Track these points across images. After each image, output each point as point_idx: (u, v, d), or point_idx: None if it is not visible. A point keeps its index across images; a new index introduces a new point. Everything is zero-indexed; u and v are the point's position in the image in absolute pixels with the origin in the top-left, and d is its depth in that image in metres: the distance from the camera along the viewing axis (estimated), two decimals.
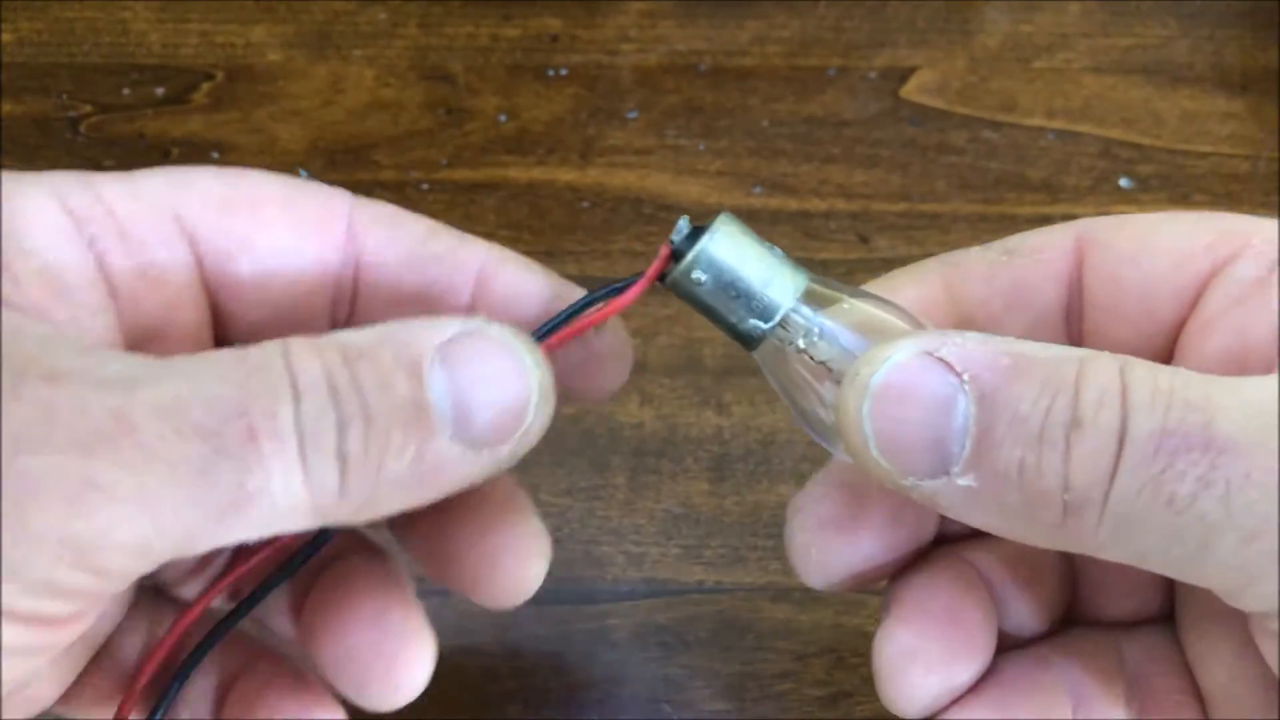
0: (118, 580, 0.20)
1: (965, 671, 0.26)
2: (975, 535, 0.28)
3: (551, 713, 0.43)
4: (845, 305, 0.24)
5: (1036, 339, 0.26)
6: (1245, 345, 0.23)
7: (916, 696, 0.25)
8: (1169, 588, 0.28)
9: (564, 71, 0.55)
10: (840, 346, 0.24)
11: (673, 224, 0.25)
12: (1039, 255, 0.26)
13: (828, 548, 0.26)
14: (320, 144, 0.53)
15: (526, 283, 0.25)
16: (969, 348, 0.21)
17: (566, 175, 0.52)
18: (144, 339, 0.24)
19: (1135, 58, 0.55)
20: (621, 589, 0.45)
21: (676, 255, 0.24)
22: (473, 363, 0.22)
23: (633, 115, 0.54)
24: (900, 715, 0.26)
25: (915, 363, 0.21)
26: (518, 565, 0.26)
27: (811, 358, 0.24)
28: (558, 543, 0.46)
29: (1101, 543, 0.21)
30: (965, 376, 0.21)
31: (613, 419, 0.47)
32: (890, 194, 0.52)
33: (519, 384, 0.22)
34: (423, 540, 0.26)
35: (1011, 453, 0.20)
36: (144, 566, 0.20)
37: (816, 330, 0.24)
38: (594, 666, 0.44)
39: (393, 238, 0.25)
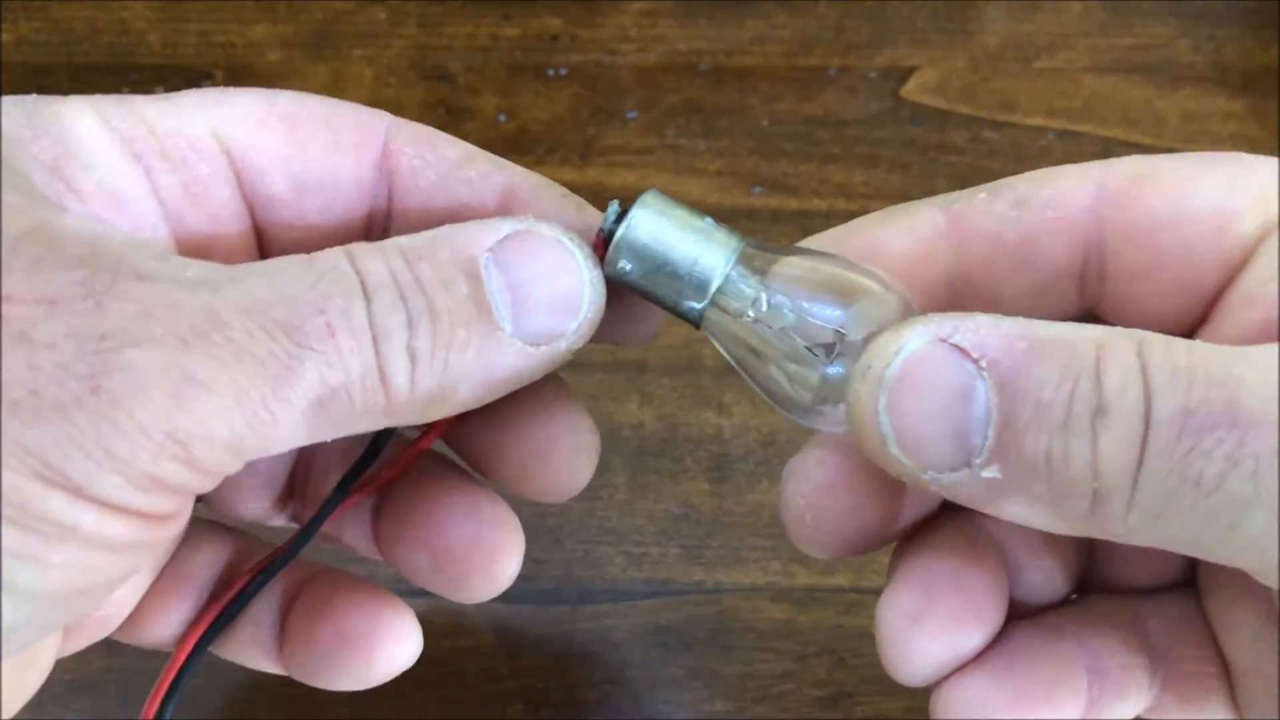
0: (213, 476, 0.21)
1: (971, 638, 0.25)
2: None
3: (551, 713, 0.43)
4: (800, 265, 0.23)
5: (1043, 304, 0.25)
6: None
7: (919, 663, 0.25)
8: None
9: (564, 71, 0.55)
10: (801, 310, 0.23)
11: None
12: (1053, 214, 0.24)
13: (825, 514, 0.25)
14: None
15: (557, 212, 0.25)
16: (983, 331, 0.21)
17: (566, 175, 0.52)
18: (193, 255, 0.24)
19: (1136, 57, 0.55)
20: (621, 589, 0.45)
21: (607, 242, 0.24)
22: (526, 260, 0.22)
23: (633, 115, 0.54)
24: (902, 683, 0.25)
25: (930, 351, 0.21)
26: (568, 457, 0.26)
27: (770, 326, 0.23)
28: (557, 543, 0.46)
29: (1130, 529, 0.20)
30: (983, 363, 0.20)
31: (613, 419, 0.47)
32: (891, 194, 0.51)
33: (572, 279, 0.23)
34: (474, 434, 0.27)
35: (1037, 442, 0.20)
36: (236, 463, 0.21)
37: (765, 299, 0.23)
38: (594, 667, 0.44)
39: (426, 161, 0.25)
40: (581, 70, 0.55)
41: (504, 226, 0.23)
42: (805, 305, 0.23)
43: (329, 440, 0.22)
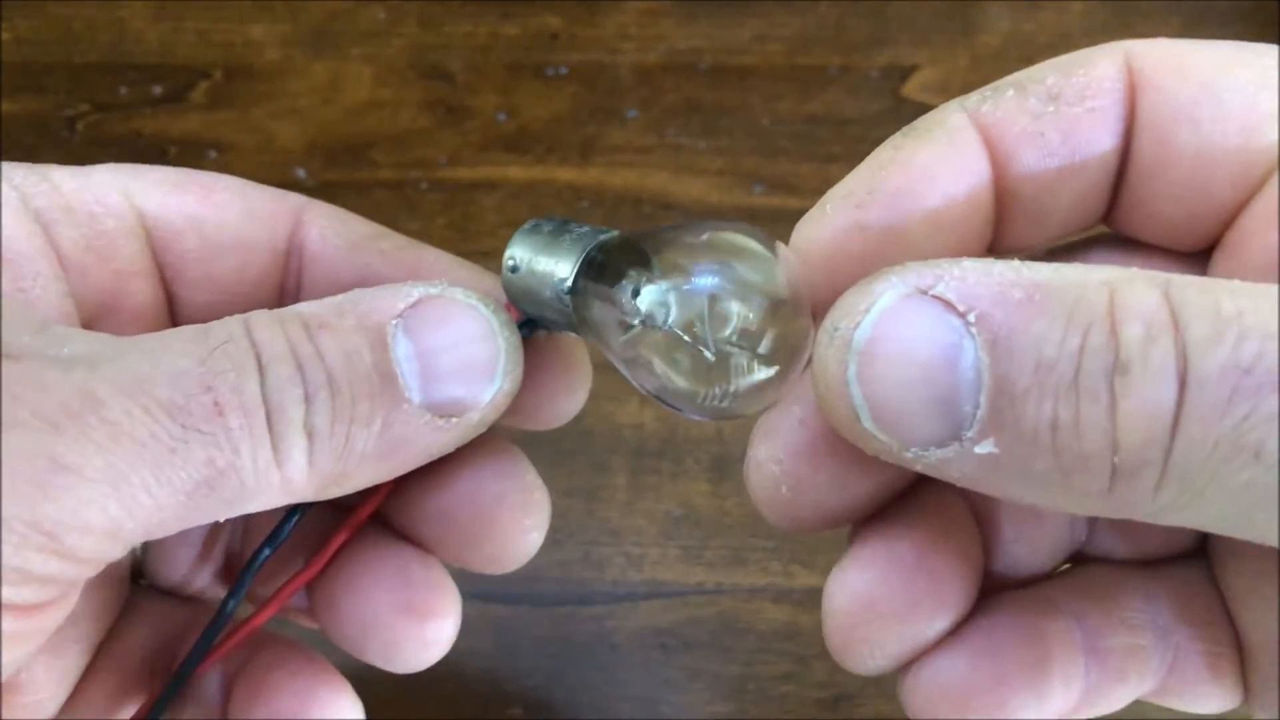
0: (90, 565, 0.19)
1: (932, 624, 0.22)
2: None
3: (551, 714, 0.43)
4: (659, 240, 0.20)
5: (1081, 213, 0.22)
6: None
7: (867, 652, 0.22)
8: None
9: (564, 70, 0.55)
10: (666, 291, 0.20)
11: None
12: (1093, 100, 0.21)
13: (804, 484, 0.22)
14: (318, 143, 0.53)
15: (473, 284, 0.24)
16: (970, 280, 0.17)
17: (566, 174, 0.52)
18: (97, 314, 0.24)
19: None
20: (621, 590, 0.45)
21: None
22: (437, 326, 0.21)
23: (633, 114, 0.54)
24: (852, 672, 0.22)
25: (907, 307, 0.17)
26: (515, 518, 0.25)
27: (659, 327, 0.20)
28: (557, 544, 0.46)
29: (1161, 508, 0.17)
30: (970, 317, 0.17)
31: (613, 419, 0.47)
32: None
33: (486, 347, 0.22)
34: (408, 502, 0.25)
35: (1040, 409, 0.16)
36: (116, 550, 0.19)
37: (650, 299, 0.20)
38: (594, 668, 0.43)
39: (337, 231, 0.25)
40: (581, 69, 0.55)
41: (414, 291, 0.22)
42: (669, 283, 0.20)
43: (223, 520, 0.21)
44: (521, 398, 0.23)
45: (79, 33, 0.56)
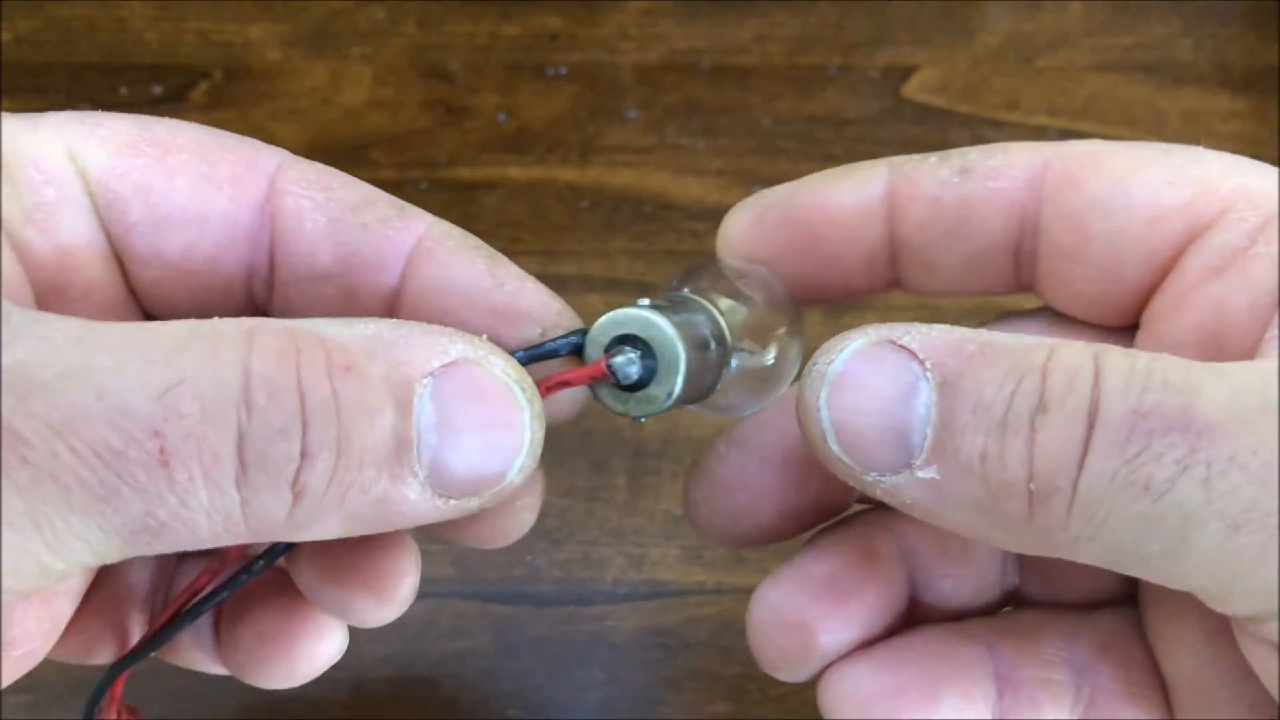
0: (19, 598, 0.18)
1: (836, 638, 0.24)
2: None
3: (551, 714, 0.43)
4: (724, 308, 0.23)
5: (977, 275, 0.24)
6: (1222, 321, 0.21)
7: (778, 658, 0.24)
8: None
9: (564, 70, 0.55)
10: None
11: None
12: (993, 182, 0.24)
13: (720, 509, 0.25)
14: (318, 143, 0.53)
15: (465, 271, 0.22)
16: (933, 335, 0.20)
17: (566, 174, 0.52)
18: (43, 293, 0.22)
19: (1138, 56, 0.55)
20: (621, 590, 0.45)
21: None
22: (468, 401, 0.19)
23: (633, 114, 0.54)
24: (771, 675, 0.25)
25: (874, 350, 0.20)
26: (384, 580, 0.24)
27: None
28: (557, 544, 0.46)
29: (1073, 538, 0.19)
30: (928, 364, 0.19)
31: (613, 420, 0.47)
32: None
33: (511, 437, 0.20)
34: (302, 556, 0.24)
35: (974, 441, 0.19)
36: (48, 584, 0.18)
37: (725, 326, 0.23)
38: (594, 668, 0.43)
39: (315, 202, 0.22)
40: (581, 69, 0.55)
41: (453, 348, 0.19)
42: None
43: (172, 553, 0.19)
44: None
45: (79, 33, 0.56)
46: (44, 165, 0.21)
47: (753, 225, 0.25)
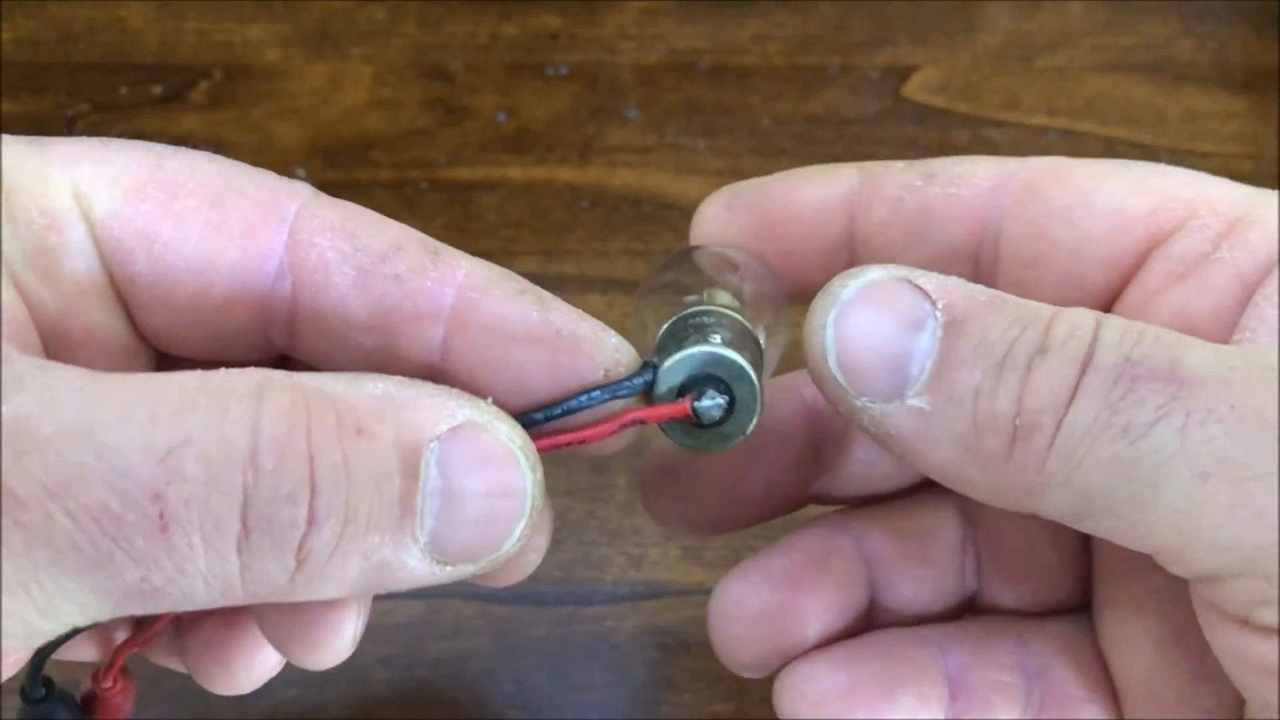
0: (21, 652, 0.18)
1: (793, 633, 0.25)
2: (870, 504, 0.27)
3: (551, 714, 0.43)
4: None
5: None
6: (1186, 326, 0.22)
7: (737, 652, 0.25)
8: (1083, 575, 0.26)
9: (564, 70, 0.55)
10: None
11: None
12: (954, 188, 0.24)
13: (666, 495, 0.27)
14: (318, 143, 0.53)
15: (518, 321, 0.21)
16: (949, 282, 0.20)
17: (566, 174, 0.52)
18: (47, 336, 0.21)
19: (1138, 56, 0.55)
20: (621, 591, 0.45)
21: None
22: (474, 469, 0.19)
23: (633, 114, 0.54)
24: (730, 669, 0.26)
25: (890, 283, 0.20)
26: (317, 630, 0.22)
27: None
28: (557, 544, 0.46)
29: (1046, 479, 0.19)
30: (940, 304, 0.20)
31: None
32: None
33: (513, 505, 0.19)
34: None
35: (970, 376, 0.19)
36: (34, 644, 0.18)
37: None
38: (593, 669, 0.43)
39: (342, 253, 0.21)
40: (581, 69, 0.55)
41: (459, 412, 0.19)
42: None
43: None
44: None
45: (79, 33, 0.56)
46: (47, 207, 0.20)
47: (721, 211, 0.26)
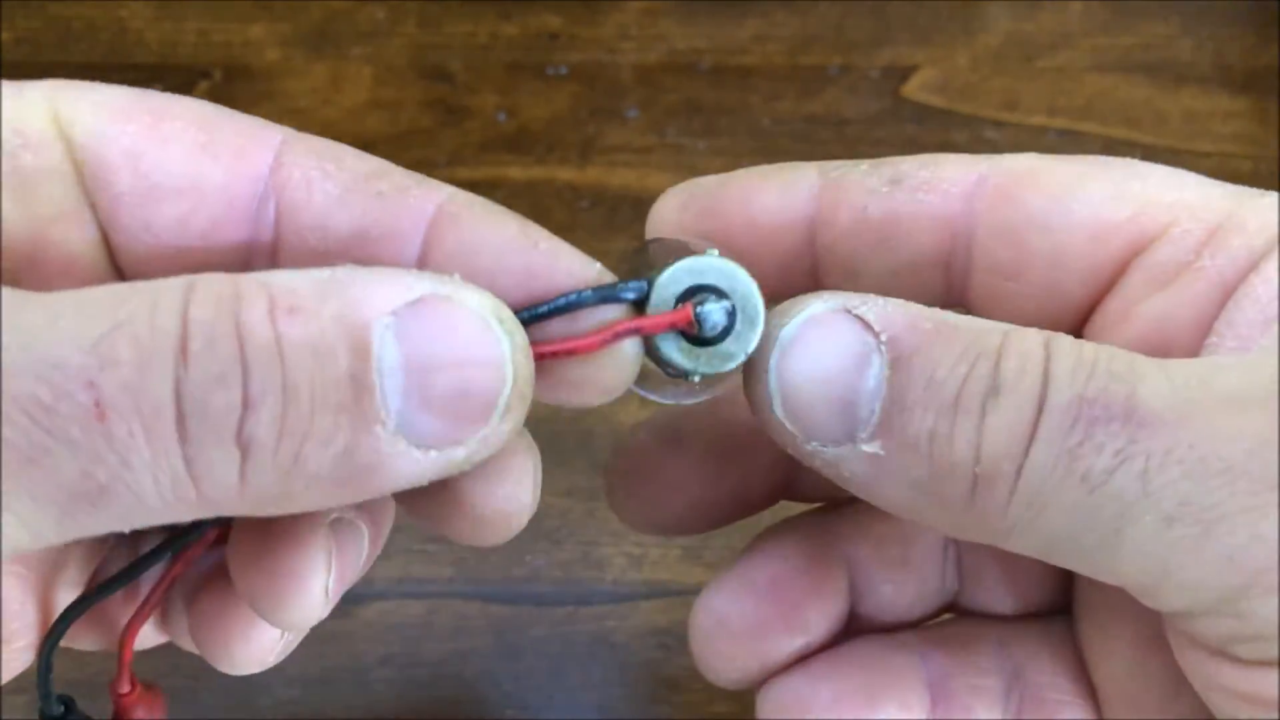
0: (8, 648, 0.17)
1: (778, 646, 0.24)
2: (848, 505, 0.26)
3: (551, 715, 0.43)
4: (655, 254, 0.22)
5: (903, 286, 0.23)
6: (1166, 337, 0.21)
7: (723, 666, 0.25)
8: (1064, 578, 0.26)
9: (564, 70, 0.55)
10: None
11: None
12: (923, 194, 0.23)
13: (634, 494, 0.25)
14: None
15: (495, 234, 0.21)
16: (890, 309, 0.19)
17: (566, 174, 0.52)
18: (18, 266, 0.20)
19: (1138, 57, 0.55)
20: (622, 590, 0.45)
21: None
22: (438, 338, 0.18)
23: (633, 114, 0.54)
24: (712, 683, 0.25)
25: (830, 318, 0.19)
26: (283, 581, 0.22)
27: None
28: (557, 544, 0.46)
29: (1010, 525, 0.19)
30: (883, 336, 0.19)
31: (613, 419, 0.47)
32: None
33: (492, 374, 0.18)
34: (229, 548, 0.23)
35: (923, 420, 0.19)
36: None
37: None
38: (594, 669, 0.43)
39: (326, 172, 0.20)
40: (581, 69, 0.55)
41: (417, 285, 0.18)
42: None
43: (126, 530, 0.17)
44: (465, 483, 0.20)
45: (79, 33, 0.56)
46: (22, 129, 0.19)
47: (678, 210, 0.25)
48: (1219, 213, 0.21)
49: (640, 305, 0.20)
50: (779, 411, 0.20)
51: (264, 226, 0.21)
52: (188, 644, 0.26)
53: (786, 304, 0.20)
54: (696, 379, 0.21)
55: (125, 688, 0.25)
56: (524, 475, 0.21)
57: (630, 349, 0.20)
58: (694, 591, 0.44)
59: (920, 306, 0.20)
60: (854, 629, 0.26)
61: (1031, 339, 0.19)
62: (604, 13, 0.56)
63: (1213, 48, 0.55)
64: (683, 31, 0.55)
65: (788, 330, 0.20)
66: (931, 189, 0.23)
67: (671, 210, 0.25)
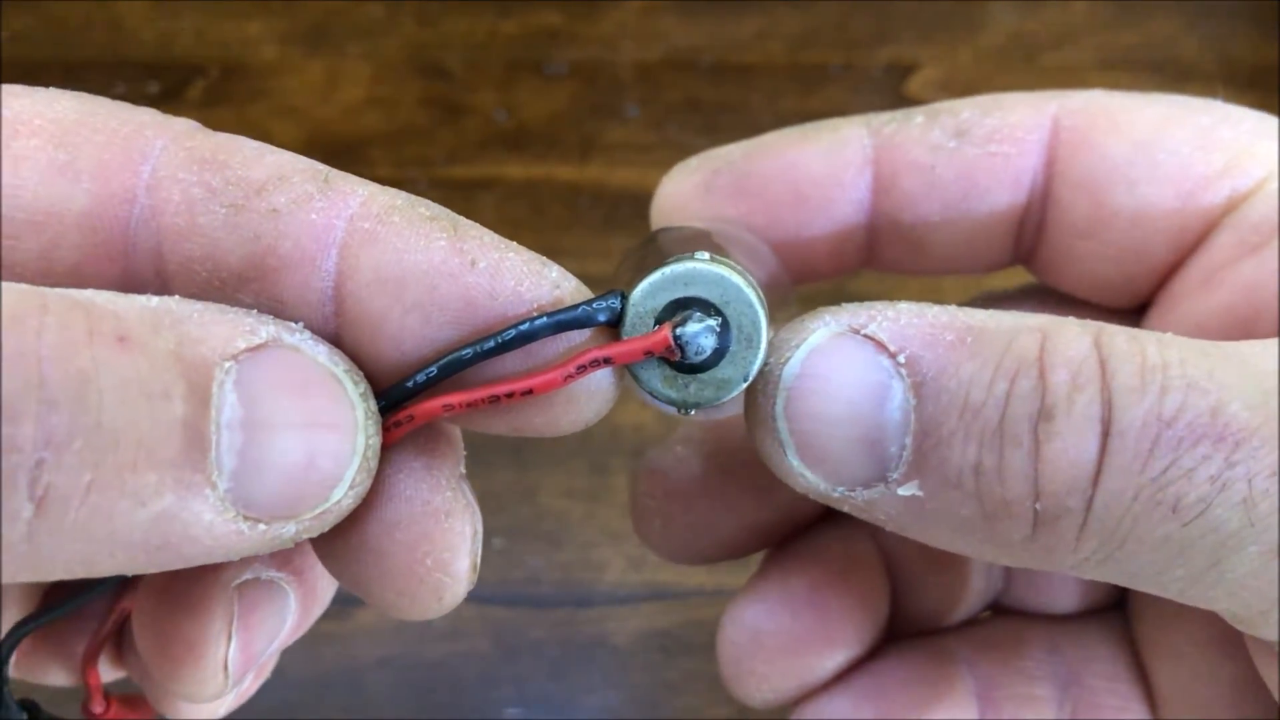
0: None
1: (820, 663, 0.22)
2: None
3: (549, 717, 0.43)
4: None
5: (973, 252, 0.21)
6: (1255, 305, 0.19)
7: (755, 686, 0.22)
8: None
9: (563, 68, 0.54)
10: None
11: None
12: (998, 146, 0.21)
13: (675, 522, 0.22)
14: (316, 141, 0.53)
15: (421, 252, 0.16)
16: (903, 321, 0.17)
17: (566, 173, 0.52)
18: None
19: (1142, 54, 0.55)
20: (621, 593, 0.44)
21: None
22: (282, 393, 0.15)
23: (633, 112, 0.53)
24: (742, 703, 0.22)
25: (838, 345, 0.17)
26: (183, 651, 0.19)
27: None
28: (556, 546, 0.46)
29: (1082, 560, 0.17)
30: (900, 358, 0.16)
31: (612, 420, 0.47)
32: None
33: (339, 441, 0.15)
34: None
35: (964, 453, 0.16)
36: None
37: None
38: (593, 671, 0.43)
39: (211, 189, 0.16)
40: (581, 66, 0.54)
41: (262, 330, 0.15)
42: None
43: None
44: (374, 548, 0.17)
45: (75, 30, 0.55)
46: None
47: (699, 192, 0.22)
48: None
49: (616, 323, 0.17)
50: (794, 461, 0.17)
51: (143, 257, 0.17)
52: (137, 678, 0.24)
53: (783, 333, 0.17)
54: (690, 413, 0.17)
55: (99, 707, 0.24)
56: (459, 541, 0.18)
57: (601, 379, 0.17)
58: (694, 593, 0.44)
59: (935, 309, 0.17)
60: (895, 632, 0.24)
61: (1076, 342, 0.16)
62: (604, 10, 0.55)
63: (1217, 45, 0.55)
64: (683, 29, 0.55)
65: (790, 368, 0.17)
66: (1005, 139, 0.21)
67: (690, 195, 0.22)
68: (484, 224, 0.52)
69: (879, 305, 0.17)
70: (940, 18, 0.55)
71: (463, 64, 0.54)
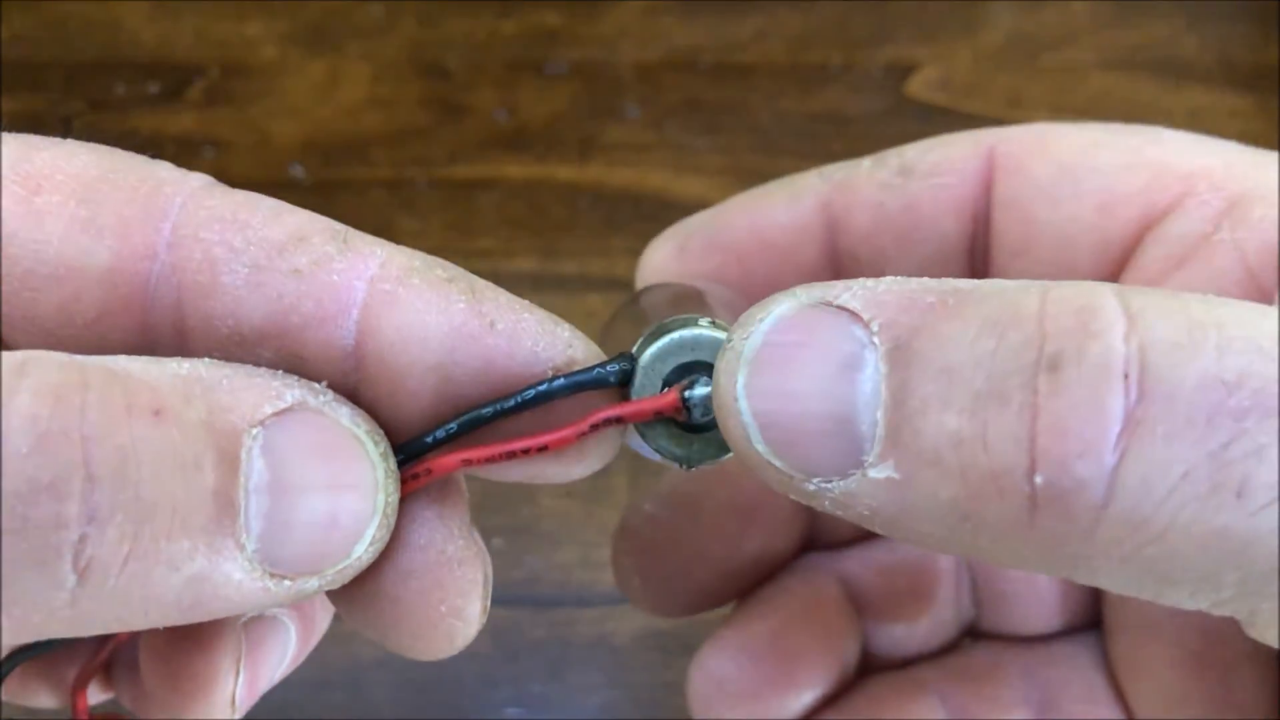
0: None
1: (786, 704, 0.22)
2: (855, 540, 0.24)
3: (549, 717, 0.43)
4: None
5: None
6: None
7: None
8: (1092, 593, 0.23)
9: (563, 68, 0.54)
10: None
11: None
12: (938, 179, 0.21)
13: (652, 576, 0.23)
14: (315, 141, 0.53)
15: (442, 314, 0.17)
16: (880, 289, 0.15)
17: (566, 173, 0.52)
18: None
19: (1142, 54, 0.55)
20: (621, 593, 0.44)
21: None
22: (307, 457, 0.16)
23: (633, 112, 0.53)
24: None
25: (803, 314, 0.15)
26: (194, 684, 0.20)
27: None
28: (556, 546, 0.46)
29: (1101, 549, 0.14)
30: (874, 325, 0.15)
31: None
32: None
33: (360, 502, 0.16)
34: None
35: (939, 421, 0.14)
36: None
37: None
38: (593, 671, 0.43)
39: (233, 249, 0.17)
40: (581, 66, 0.54)
41: (288, 393, 0.16)
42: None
43: None
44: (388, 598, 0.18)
45: (75, 31, 0.55)
46: None
47: (675, 255, 0.23)
48: (1240, 180, 0.19)
49: (625, 384, 0.18)
50: (760, 447, 0.15)
51: (162, 312, 0.17)
52: (128, 703, 0.24)
53: (751, 309, 0.16)
54: (692, 468, 0.18)
55: None
56: (471, 587, 0.18)
57: (610, 434, 0.18)
58: None
59: (925, 280, 0.15)
60: (868, 666, 0.24)
61: (1089, 291, 0.14)
62: (604, 10, 0.55)
63: (1217, 45, 0.55)
64: (683, 29, 0.55)
65: (751, 341, 0.15)
66: (945, 172, 0.21)
67: (667, 258, 0.23)
68: (484, 224, 0.53)
69: (859, 280, 0.16)
70: (940, 18, 0.55)
71: (463, 64, 0.54)
